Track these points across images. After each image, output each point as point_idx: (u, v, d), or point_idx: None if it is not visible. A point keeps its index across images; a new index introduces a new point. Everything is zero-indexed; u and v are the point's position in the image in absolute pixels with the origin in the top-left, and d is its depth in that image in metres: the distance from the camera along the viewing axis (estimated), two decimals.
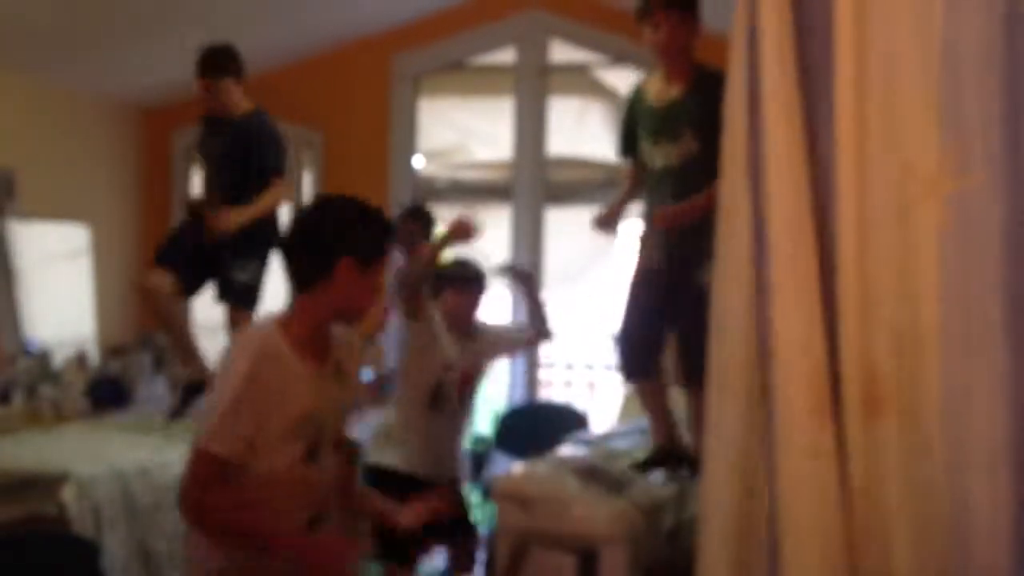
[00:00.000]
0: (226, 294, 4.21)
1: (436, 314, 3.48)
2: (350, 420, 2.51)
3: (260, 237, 4.07)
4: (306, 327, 2.23)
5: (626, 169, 3.30)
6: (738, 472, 2.01)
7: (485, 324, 3.67)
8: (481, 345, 3.62)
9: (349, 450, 2.55)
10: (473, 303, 3.58)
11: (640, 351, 3.17)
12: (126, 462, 3.55)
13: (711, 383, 2.12)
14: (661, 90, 3.03)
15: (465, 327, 3.56)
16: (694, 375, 3.06)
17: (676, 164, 2.98)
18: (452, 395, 3.49)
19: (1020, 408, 1.70)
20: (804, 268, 1.88)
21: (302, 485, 2.22)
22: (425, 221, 5.11)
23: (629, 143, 3.17)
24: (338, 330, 2.32)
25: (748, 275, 1.98)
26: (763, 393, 1.92)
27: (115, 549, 3.38)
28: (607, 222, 3.19)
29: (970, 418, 1.74)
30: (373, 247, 2.25)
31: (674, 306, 3.03)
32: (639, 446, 3.31)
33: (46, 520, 3.25)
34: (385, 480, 3.22)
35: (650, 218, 3.09)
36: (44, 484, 3.31)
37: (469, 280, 3.57)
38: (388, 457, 3.44)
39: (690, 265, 2.94)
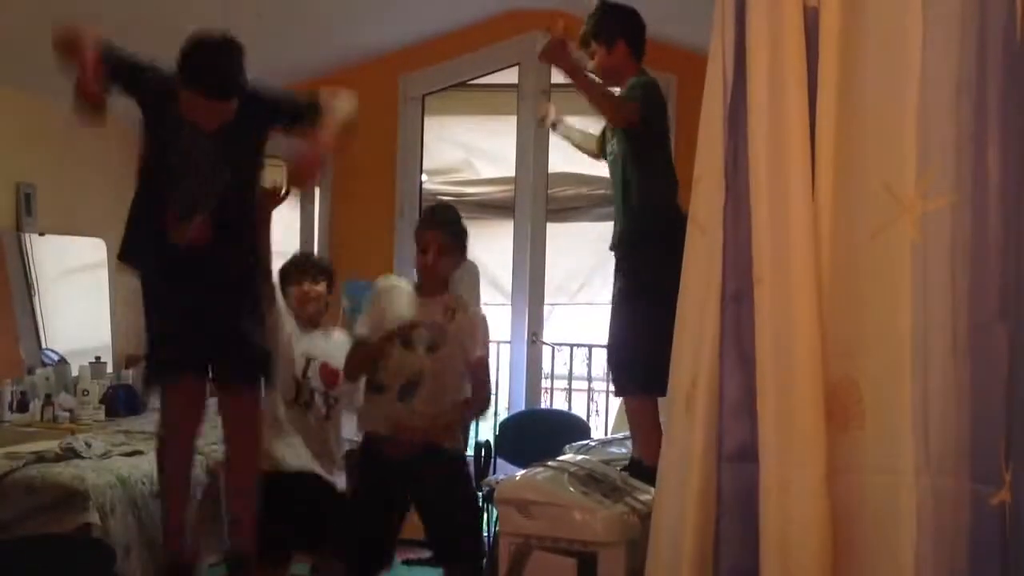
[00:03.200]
0: None
1: (283, 305, 3.70)
2: None
3: None
4: None
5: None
6: (699, 488, 2.04)
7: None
8: (334, 343, 3.81)
9: None
10: (316, 296, 3.81)
11: (618, 366, 3.43)
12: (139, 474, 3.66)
13: (672, 395, 2.17)
14: None
15: (314, 320, 3.80)
16: (617, 384, 3.51)
17: (614, 157, 3.57)
18: (315, 389, 3.69)
19: (979, 416, 1.80)
20: (782, 282, 1.94)
21: None
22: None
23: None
24: None
25: (717, 288, 2.02)
26: (737, 404, 1.97)
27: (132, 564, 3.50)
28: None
29: (938, 426, 1.83)
30: None
31: (619, 317, 3.50)
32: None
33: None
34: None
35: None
36: (73, 503, 3.42)
37: (308, 272, 3.84)
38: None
39: (617, 252, 3.55)
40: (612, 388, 3.56)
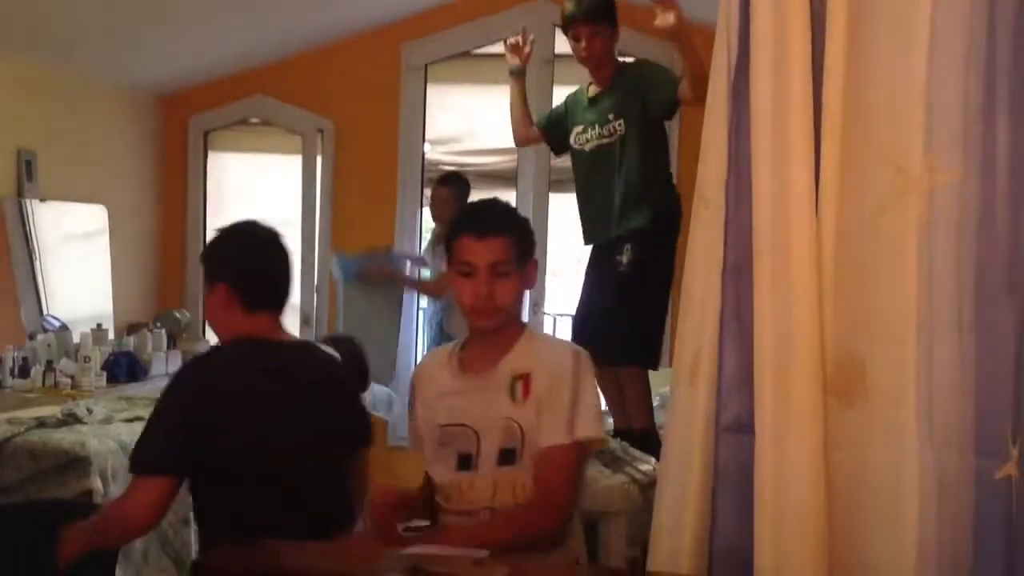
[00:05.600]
0: None
1: None
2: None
3: None
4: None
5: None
6: (700, 460, 2.04)
7: None
8: None
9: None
10: None
11: (581, 331, 3.46)
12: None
13: (676, 368, 2.17)
14: (593, 88, 3.75)
15: None
16: (614, 355, 3.52)
17: (607, 143, 3.63)
18: None
19: (985, 391, 1.80)
20: (784, 255, 1.93)
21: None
22: (459, 186, 5.22)
23: (550, 121, 4.00)
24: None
25: (719, 261, 2.02)
26: (736, 376, 1.97)
27: None
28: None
29: (943, 400, 1.83)
30: None
31: (596, 287, 3.42)
32: None
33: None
34: None
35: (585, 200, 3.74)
36: (75, 468, 3.44)
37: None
38: None
39: (613, 247, 3.58)
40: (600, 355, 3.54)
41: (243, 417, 2.46)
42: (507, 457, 2.24)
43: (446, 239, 2.37)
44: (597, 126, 3.68)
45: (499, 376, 2.29)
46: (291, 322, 6.49)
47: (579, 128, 3.77)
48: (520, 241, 2.34)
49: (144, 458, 2.44)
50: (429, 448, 2.38)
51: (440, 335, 5.42)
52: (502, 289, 2.28)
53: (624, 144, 3.60)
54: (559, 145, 3.98)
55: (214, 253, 2.67)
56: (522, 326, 2.39)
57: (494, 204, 2.47)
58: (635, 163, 3.57)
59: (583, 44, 3.61)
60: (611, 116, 3.63)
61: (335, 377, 2.71)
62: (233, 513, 2.47)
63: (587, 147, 3.72)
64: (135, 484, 2.45)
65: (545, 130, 4.02)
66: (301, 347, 2.78)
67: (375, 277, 5.33)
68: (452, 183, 5.44)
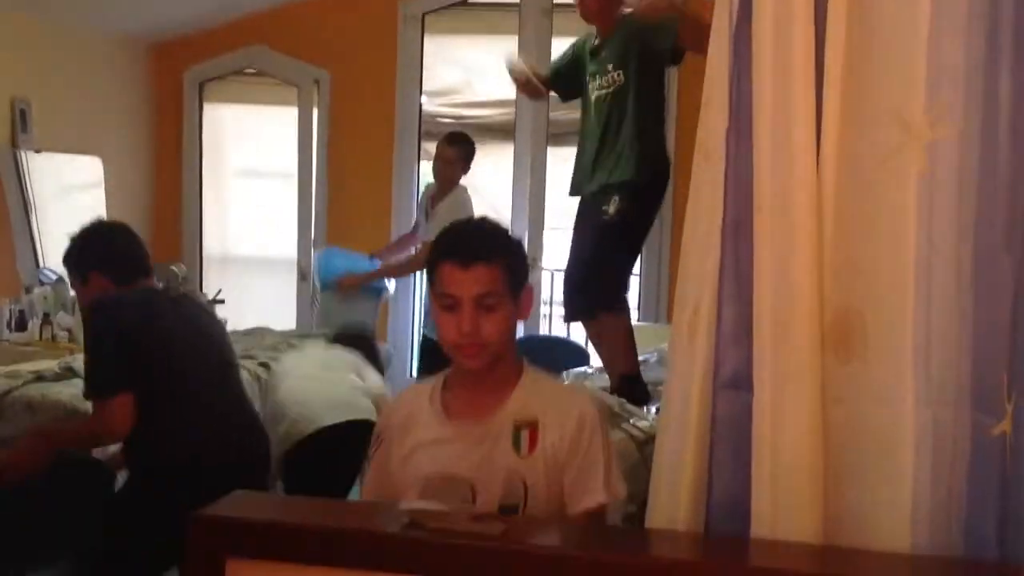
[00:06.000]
0: None
1: None
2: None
3: None
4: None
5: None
6: (698, 416, 2.03)
7: None
8: None
9: None
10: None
11: (577, 290, 3.50)
12: None
13: (675, 324, 2.16)
14: (596, 39, 3.75)
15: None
16: (595, 306, 3.60)
17: (606, 94, 3.62)
18: None
19: (982, 347, 1.80)
20: (784, 210, 1.92)
21: None
22: (466, 149, 5.17)
23: (556, 72, 4.02)
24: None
25: (719, 216, 2.00)
26: (734, 332, 1.96)
27: None
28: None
29: (940, 356, 1.83)
30: None
31: (582, 238, 3.47)
32: None
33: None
34: None
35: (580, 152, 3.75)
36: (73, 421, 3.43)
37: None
38: None
39: (600, 197, 3.58)
40: (587, 306, 3.65)
41: (160, 338, 3.00)
42: (507, 514, 2.00)
43: (427, 265, 2.13)
44: (598, 76, 3.67)
45: (499, 424, 2.06)
46: (288, 276, 6.49)
47: (586, 78, 3.77)
48: (512, 269, 2.09)
49: (101, 384, 2.90)
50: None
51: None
52: (490, 324, 2.03)
53: (622, 95, 3.59)
54: (566, 92, 4.01)
55: (78, 252, 3.18)
56: (521, 365, 2.16)
57: (481, 227, 2.20)
58: (630, 116, 3.56)
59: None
60: (610, 67, 3.62)
61: (206, 310, 3.47)
62: (160, 431, 2.93)
63: (592, 97, 3.72)
64: (100, 407, 2.90)
65: (552, 82, 4.04)
66: (177, 294, 3.57)
67: (351, 288, 5.31)
68: (459, 143, 5.33)
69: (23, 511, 2.91)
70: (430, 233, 5.22)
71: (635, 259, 3.79)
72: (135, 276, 3.12)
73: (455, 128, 6.17)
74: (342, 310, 5.26)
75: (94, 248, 3.16)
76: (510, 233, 2.22)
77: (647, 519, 2.12)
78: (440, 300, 2.05)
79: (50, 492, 2.93)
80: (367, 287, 5.39)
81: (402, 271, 5.66)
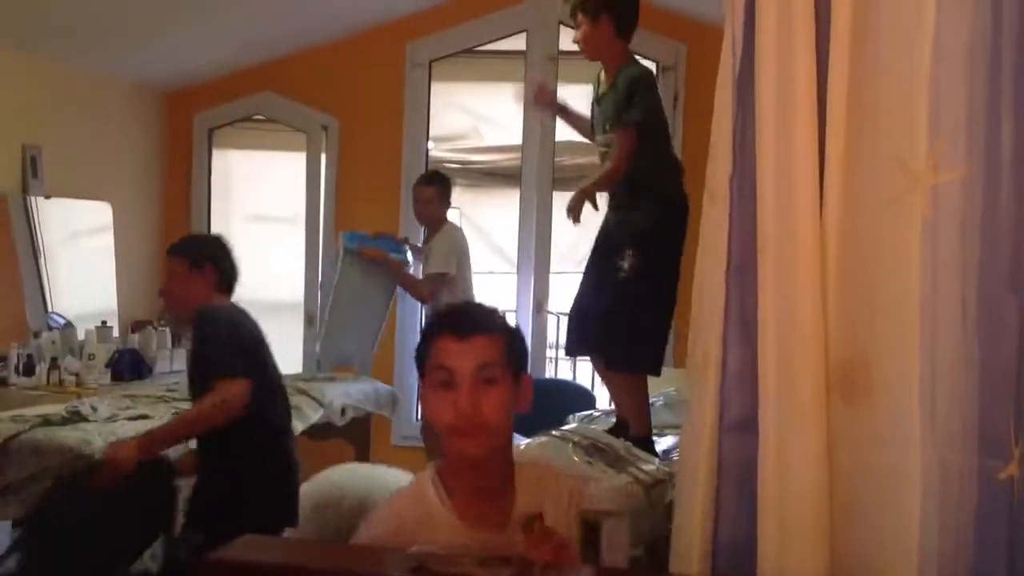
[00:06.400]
0: None
1: None
2: None
3: None
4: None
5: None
6: (707, 459, 2.02)
7: None
8: None
9: None
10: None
11: (579, 327, 3.52)
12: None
13: (689, 367, 2.15)
14: (602, 83, 3.58)
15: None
16: (612, 359, 3.47)
17: (607, 152, 3.50)
18: None
19: (988, 390, 1.80)
20: (787, 252, 1.93)
21: None
22: (442, 184, 5.16)
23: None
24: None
25: (724, 259, 2.01)
26: (739, 375, 1.96)
27: None
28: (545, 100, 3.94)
29: (946, 399, 1.82)
30: None
31: (597, 288, 3.34)
32: None
33: None
34: None
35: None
36: (78, 466, 3.44)
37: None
38: None
39: (614, 250, 3.43)
40: (603, 362, 3.53)
41: (263, 346, 3.50)
42: None
43: (419, 346, 1.97)
44: (599, 133, 3.59)
45: (515, 527, 1.84)
46: (294, 320, 6.50)
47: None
48: (512, 346, 1.94)
49: (228, 364, 3.25)
50: None
51: None
52: (491, 401, 1.86)
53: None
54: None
55: (201, 242, 3.73)
56: (510, 448, 2.00)
57: (479, 305, 2.12)
58: (635, 172, 3.44)
59: (576, 35, 3.54)
60: (607, 127, 3.51)
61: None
62: (262, 423, 3.36)
63: (597, 150, 3.66)
64: (228, 384, 3.22)
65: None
66: None
67: (371, 256, 5.26)
68: (434, 181, 5.34)
69: (104, 507, 3.17)
70: (430, 267, 5.22)
71: (661, 313, 3.49)
72: (232, 286, 3.57)
73: (461, 173, 6.22)
74: (360, 279, 5.24)
75: (217, 245, 3.61)
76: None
77: (670, 563, 2.11)
78: (435, 376, 1.88)
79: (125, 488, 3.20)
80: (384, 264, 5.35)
81: (413, 287, 5.52)
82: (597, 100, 3.64)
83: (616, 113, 3.44)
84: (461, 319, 1.94)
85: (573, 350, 3.71)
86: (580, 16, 3.50)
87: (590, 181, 3.44)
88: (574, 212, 3.35)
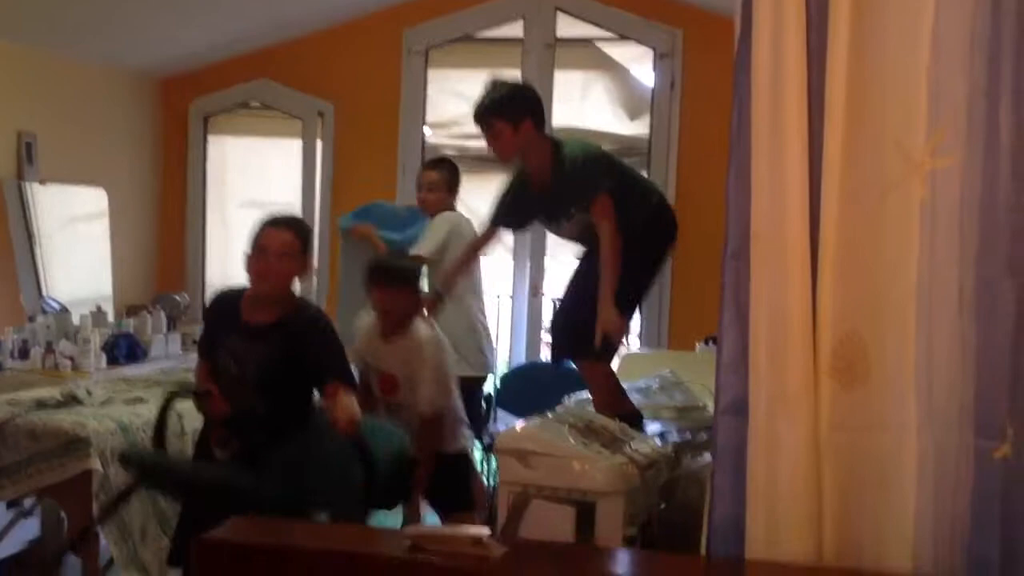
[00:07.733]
0: None
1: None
2: None
3: None
4: None
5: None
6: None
7: (424, 331, 3.59)
8: (408, 351, 3.56)
9: None
10: (395, 299, 3.56)
11: (561, 332, 3.60)
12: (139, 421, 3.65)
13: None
14: (535, 180, 3.54)
15: (391, 326, 3.57)
16: (576, 349, 3.50)
17: (569, 237, 3.58)
18: (374, 396, 3.56)
19: (983, 372, 1.82)
20: (778, 238, 1.96)
21: None
22: (446, 171, 4.97)
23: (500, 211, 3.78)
24: None
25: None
26: (733, 359, 2.00)
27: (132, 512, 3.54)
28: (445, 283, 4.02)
29: (942, 381, 1.85)
30: None
31: (571, 282, 3.57)
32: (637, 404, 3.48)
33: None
34: None
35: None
36: (75, 449, 3.43)
37: (393, 276, 3.60)
38: None
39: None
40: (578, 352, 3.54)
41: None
42: None
43: None
44: (563, 220, 3.54)
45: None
46: None
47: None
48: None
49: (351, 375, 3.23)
50: None
51: None
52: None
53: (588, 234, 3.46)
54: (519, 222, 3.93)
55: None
56: None
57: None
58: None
59: (489, 139, 3.50)
60: (573, 211, 3.46)
61: None
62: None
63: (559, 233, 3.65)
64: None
65: (496, 225, 3.91)
66: None
67: (359, 234, 5.12)
68: (441, 167, 5.18)
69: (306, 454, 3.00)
70: (422, 249, 5.05)
71: (629, 305, 3.45)
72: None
73: (457, 159, 6.20)
74: (360, 259, 5.11)
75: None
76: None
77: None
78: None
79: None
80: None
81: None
82: (526, 196, 3.61)
83: (582, 191, 3.39)
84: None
85: (557, 355, 3.73)
86: (498, 123, 3.43)
87: (606, 285, 3.30)
88: (616, 329, 3.34)
